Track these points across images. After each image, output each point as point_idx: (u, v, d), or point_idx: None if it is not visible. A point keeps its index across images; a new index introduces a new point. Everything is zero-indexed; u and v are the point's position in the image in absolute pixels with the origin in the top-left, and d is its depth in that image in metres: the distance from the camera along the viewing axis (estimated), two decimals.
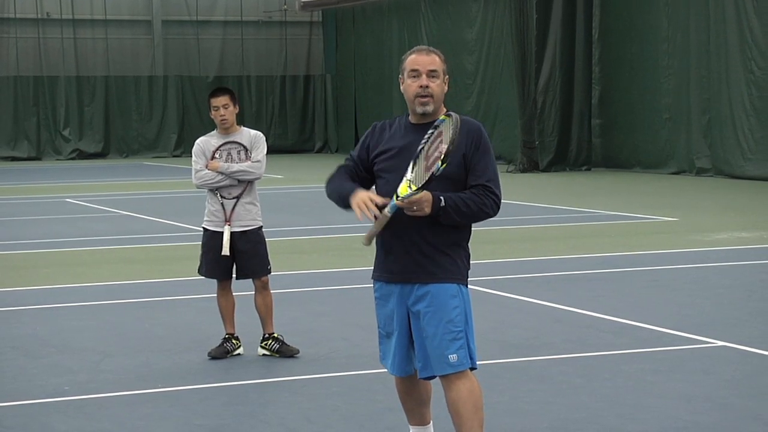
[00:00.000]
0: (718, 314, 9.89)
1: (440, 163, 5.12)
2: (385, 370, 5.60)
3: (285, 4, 39.93)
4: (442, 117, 5.24)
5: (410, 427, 5.71)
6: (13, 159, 36.82)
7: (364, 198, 5.23)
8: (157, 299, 11.01)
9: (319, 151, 40.05)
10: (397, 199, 5.18)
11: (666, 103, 27.60)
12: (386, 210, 5.20)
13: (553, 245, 14.60)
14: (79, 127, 37.70)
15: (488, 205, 5.30)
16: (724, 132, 25.82)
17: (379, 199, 5.25)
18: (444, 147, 5.12)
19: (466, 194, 5.29)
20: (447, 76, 5.41)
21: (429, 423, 5.69)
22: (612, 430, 6.49)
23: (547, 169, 28.67)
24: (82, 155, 37.48)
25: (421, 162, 5.19)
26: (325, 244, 15.10)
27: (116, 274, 12.61)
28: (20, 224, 18.05)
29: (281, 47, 40.41)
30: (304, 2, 39.23)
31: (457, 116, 5.20)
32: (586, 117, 29.35)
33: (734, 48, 25.39)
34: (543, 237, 15.57)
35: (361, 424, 6.69)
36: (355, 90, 38.90)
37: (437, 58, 5.36)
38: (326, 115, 40.34)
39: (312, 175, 28.75)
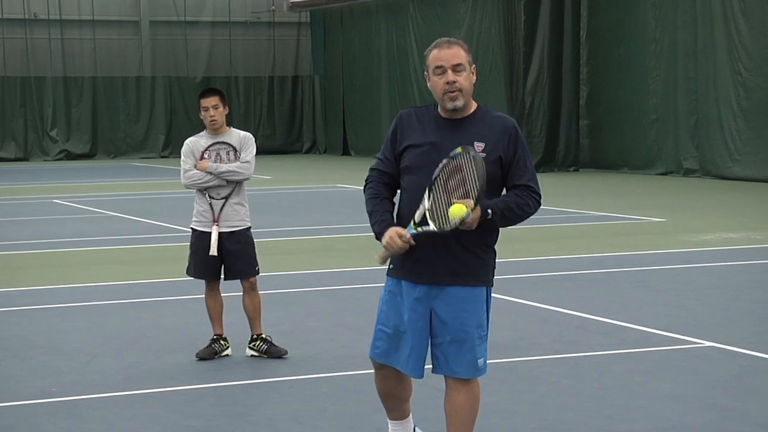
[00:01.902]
0: (706, 315, 9.91)
1: (470, 210, 5.01)
2: (372, 370, 5.56)
3: (273, 4, 39.91)
4: (458, 150, 5.06)
5: (390, 421, 5.61)
6: (0, 160, 36.72)
7: (392, 236, 5.11)
8: (146, 300, 10.99)
9: (308, 152, 40.04)
10: (415, 228, 5.09)
11: (654, 103, 27.66)
12: (406, 231, 5.12)
13: (542, 246, 14.61)
14: (67, 127, 37.63)
15: (530, 205, 5.23)
16: (711, 133, 25.88)
17: (406, 234, 5.13)
18: (474, 191, 5.01)
19: (510, 197, 5.20)
20: (474, 66, 5.29)
21: (409, 415, 5.62)
22: (600, 430, 6.50)
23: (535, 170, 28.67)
24: (70, 156, 37.42)
25: (440, 194, 5.06)
26: (313, 244, 15.09)
27: (104, 274, 12.58)
28: (7, 225, 18.01)
29: (269, 48, 40.39)
30: (292, 3, 39.21)
31: (480, 158, 5.03)
32: (574, 118, 29.41)
33: (721, 49, 25.46)
34: (531, 238, 15.58)
35: (350, 424, 6.69)
36: (344, 91, 38.89)
37: (461, 50, 5.23)
38: (314, 116, 40.32)
39: (300, 175, 28.72)
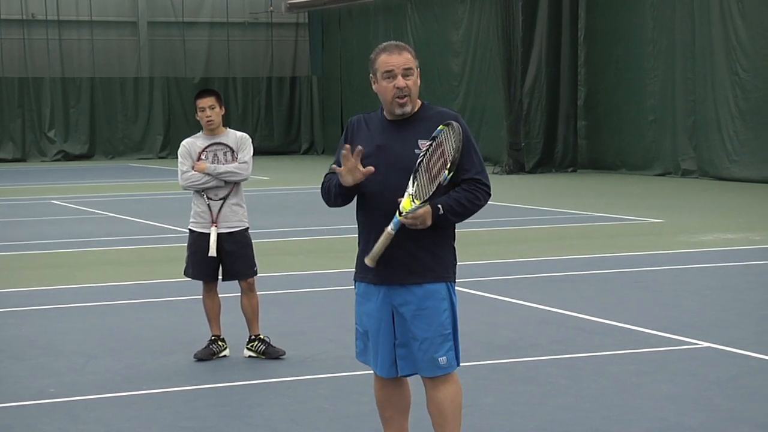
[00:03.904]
0: (703, 315, 9.92)
1: (447, 172, 5.07)
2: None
3: (271, 5, 39.92)
4: (440, 127, 5.14)
5: None
6: None
7: (347, 166, 5.15)
8: (143, 301, 10.99)
9: (306, 153, 40.04)
10: (401, 216, 5.12)
11: (651, 104, 27.66)
12: (389, 228, 5.14)
13: (540, 247, 14.61)
14: (65, 128, 37.61)
15: (480, 198, 5.27)
16: (709, 134, 25.90)
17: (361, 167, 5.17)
18: (450, 155, 5.07)
19: (459, 193, 5.23)
20: (419, 70, 5.31)
21: None
22: (598, 430, 6.50)
23: (533, 171, 28.71)
24: (68, 157, 37.39)
25: (423, 175, 5.12)
26: (311, 245, 15.10)
27: (102, 275, 12.58)
28: (5, 226, 18.00)
29: (267, 49, 40.40)
30: (290, 4, 39.22)
31: (458, 126, 5.12)
32: (572, 118, 29.40)
33: (719, 50, 25.48)
34: (529, 238, 15.59)
35: (348, 425, 6.69)
36: (341, 91, 38.90)
37: (409, 55, 5.26)
38: (312, 117, 40.33)
39: (298, 176, 28.72)
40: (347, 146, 5.16)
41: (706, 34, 25.84)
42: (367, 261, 5.21)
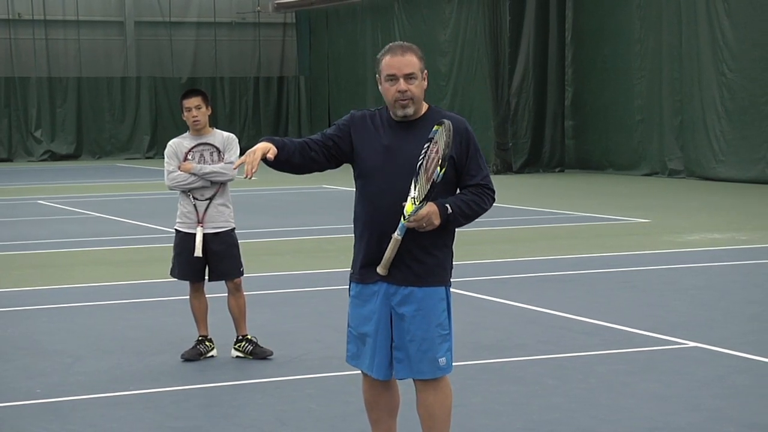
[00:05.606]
0: (690, 315, 9.94)
1: (439, 169, 5.05)
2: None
3: (258, 5, 39.88)
4: (435, 127, 5.12)
5: None
6: None
7: (254, 150, 5.07)
8: (130, 301, 10.97)
9: None
10: (405, 220, 5.11)
11: (638, 104, 27.72)
12: (396, 234, 5.14)
13: (527, 247, 14.63)
14: (51, 128, 37.51)
15: (486, 202, 5.31)
16: (696, 134, 25.96)
17: (271, 154, 5.10)
18: (441, 152, 5.04)
19: (466, 195, 5.25)
20: (425, 71, 5.29)
21: None
22: (585, 430, 6.51)
23: (520, 171, 28.75)
24: (54, 157, 37.29)
25: (422, 176, 5.10)
26: (298, 245, 15.08)
27: (89, 276, 12.55)
28: None
29: (255, 49, 40.36)
30: (277, 3, 39.19)
31: (449, 123, 5.10)
32: (559, 119, 29.45)
33: (706, 50, 25.54)
34: (516, 238, 15.60)
35: (335, 425, 6.69)
36: (329, 91, 38.89)
37: (413, 58, 5.22)
38: (300, 117, 40.30)
39: (285, 176, 28.66)
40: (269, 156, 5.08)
41: (693, 35, 25.90)
42: (380, 270, 5.21)
